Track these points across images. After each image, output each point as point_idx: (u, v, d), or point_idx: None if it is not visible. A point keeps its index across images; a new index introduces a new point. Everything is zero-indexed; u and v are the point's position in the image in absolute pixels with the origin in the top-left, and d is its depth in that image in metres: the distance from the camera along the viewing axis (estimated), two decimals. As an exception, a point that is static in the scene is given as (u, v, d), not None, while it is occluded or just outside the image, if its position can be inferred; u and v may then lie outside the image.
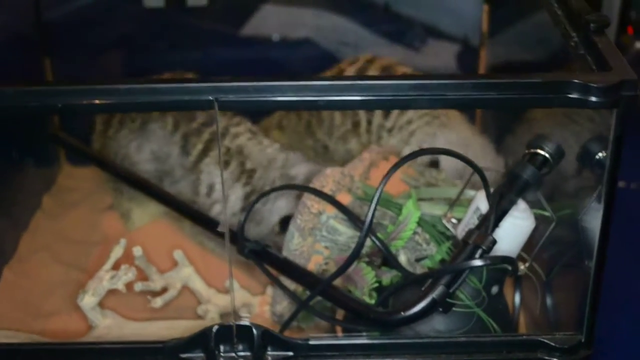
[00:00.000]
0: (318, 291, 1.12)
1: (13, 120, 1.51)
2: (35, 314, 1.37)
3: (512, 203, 1.09)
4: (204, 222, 1.40)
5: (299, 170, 1.45)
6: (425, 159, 1.51)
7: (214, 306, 1.32)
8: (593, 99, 0.88)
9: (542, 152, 1.09)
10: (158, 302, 1.29)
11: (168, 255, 1.39)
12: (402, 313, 1.03)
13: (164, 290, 1.32)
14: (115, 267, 1.25)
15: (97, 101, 0.89)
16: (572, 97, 0.89)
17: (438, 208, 1.25)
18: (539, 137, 1.11)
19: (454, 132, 1.53)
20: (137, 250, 1.29)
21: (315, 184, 1.24)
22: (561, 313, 1.15)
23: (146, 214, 1.59)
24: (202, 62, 1.90)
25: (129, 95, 0.89)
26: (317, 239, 1.22)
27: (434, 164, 1.49)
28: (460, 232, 1.17)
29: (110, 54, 1.81)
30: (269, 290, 1.34)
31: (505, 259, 1.06)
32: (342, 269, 1.07)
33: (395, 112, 1.57)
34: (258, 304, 1.35)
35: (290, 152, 1.52)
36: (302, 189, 1.23)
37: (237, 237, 1.19)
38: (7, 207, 1.54)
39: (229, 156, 1.48)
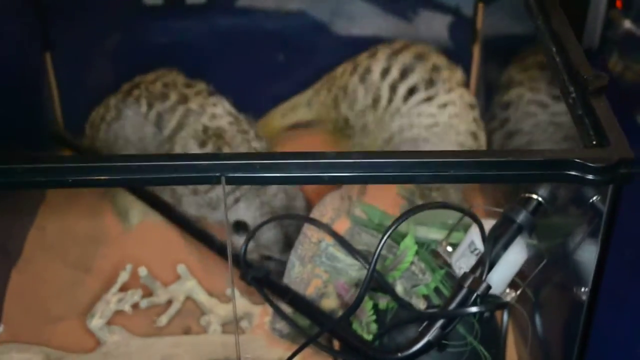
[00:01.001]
0: (327, 329, 1.14)
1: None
2: (44, 321, 1.40)
3: (507, 247, 1.11)
4: (205, 240, 1.41)
5: None
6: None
7: (215, 317, 1.35)
8: (591, 177, 0.89)
9: (535, 197, 1.11)
10: (163, 320, 1.33)
11: (166, 254, 1.43)
12: (399, 354, 1.07)
13: (169, 302, 1.35)
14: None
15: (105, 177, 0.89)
16: (570, 175, 0.90)
17: (434, 232, 1.28)
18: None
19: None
20: (142, 271, 1.32)
21: (315, 214, 1.26)
22: (551, 345, 1.19)
23: (142, 212, 1.59)
24: (196, 36, 1.85)
25: (138, 172, 0.89)
26: (317, 264, 1.24)
27: None
28: (454, 262, 1.19)
29: (110, 49, 1.78)
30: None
31: (500, 306, 1.09)
32: (350, 311, 1.08)
33: (413, 101, 1.58)
34: (259, 314, 1.38)
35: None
36: (302, 219, 1.24)
37: (240, 264, 1.21)
38: (12, 204, 1.54)
39: (207, 136, 1.47)
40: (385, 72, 1.62)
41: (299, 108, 1.80)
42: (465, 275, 1.08)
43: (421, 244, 1.25)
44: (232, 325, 1.36)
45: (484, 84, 1.71)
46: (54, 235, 1.58)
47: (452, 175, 0.91)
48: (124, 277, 1.28)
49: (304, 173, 0.90)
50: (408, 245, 1.18)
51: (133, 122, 1.56)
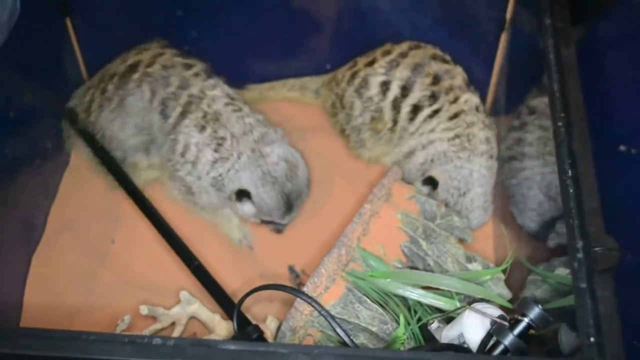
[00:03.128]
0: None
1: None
2: (62, 312, 1.42)
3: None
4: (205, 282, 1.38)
5: (273, 149, 1.44)
6: (420, 174, 1.48)
7: (216, 337, 1.36)
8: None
9: (525, 320, 1.05)
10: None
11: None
12: None
13: (173, 325, 1.37)
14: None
15: None
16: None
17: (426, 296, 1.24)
18: (524, 303, 1.06)
19: (466, 160, 1.44)
20: (143, 309, 1.32)
21: (309, 287, 1.21)
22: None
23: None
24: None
25: None
26: (310, 326, 1.23)
27: (431, 182, 1.43)
28: (442, 339, 1.18)
29: (128, 14, 1.61)
30: (269, 319, 1.37)
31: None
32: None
33: (420, 119, 1.48)
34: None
35: (271, 128, 1.49)
36: (294, 292, 1.19)
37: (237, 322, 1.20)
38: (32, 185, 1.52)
39: (205, 121, 1.45)
40: (385, 89, 1.49)
41: (306, 92, 1.69)
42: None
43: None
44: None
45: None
46: (71, 214, 1.56)
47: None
48: (122, 326, 1.29)
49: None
50: (398, 336, 1.16)
51: (138, 110, 1.49)
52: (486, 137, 1.46)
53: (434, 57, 1.50)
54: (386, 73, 1.49)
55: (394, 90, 1.49)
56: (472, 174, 1.42)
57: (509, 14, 1.47)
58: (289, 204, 1.45)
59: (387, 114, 1.50)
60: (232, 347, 0.89)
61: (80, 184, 1.59)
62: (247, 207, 1.45)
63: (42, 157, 1.55)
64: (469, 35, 1.54)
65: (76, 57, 1.64)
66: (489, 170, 1.44)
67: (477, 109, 1.49)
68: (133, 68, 1.51)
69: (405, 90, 1.48)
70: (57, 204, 1.58)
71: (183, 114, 1.45)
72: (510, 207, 1.42)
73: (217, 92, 1.49)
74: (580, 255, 0.93)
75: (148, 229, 1.48)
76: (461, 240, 1.39)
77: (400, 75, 1.48)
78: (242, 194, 1.43)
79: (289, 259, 1.48)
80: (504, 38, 1.50)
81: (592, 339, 0.88)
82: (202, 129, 1.44)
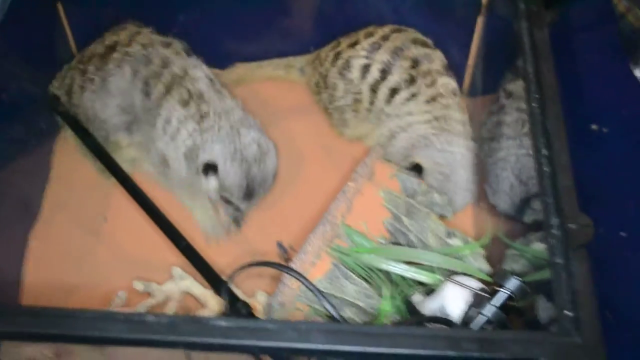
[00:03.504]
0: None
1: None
2: (61, 288, 1.44)
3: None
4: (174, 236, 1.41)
5: (249, 132, 1.45)
6: (402, 158, 1.51)
7: (209, 311, 1.40)
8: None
9: (504, 291, 1.10)
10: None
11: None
12: None
13: (166, 301, 1.40)
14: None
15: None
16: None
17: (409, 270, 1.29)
18: (503, 275, 1.10)
19: (447, 142, 1.47)
20: (138, 285, 1.35)
21: (297, 263, 1.25)
22: None
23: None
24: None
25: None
26: (298, 300, 1.27)
27: (417, 168, 1.46)
28: (424, 311, 1.22)
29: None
30: (259, 294, 1.41)
31: None
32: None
33: (397, 102, 1.51)
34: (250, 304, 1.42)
35: (249, 115, 1.50)
36: (282, 268, 1.23)
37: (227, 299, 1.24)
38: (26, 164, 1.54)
39: (189, 97, 1.46)
40: (365, 71, 1.52)
41: (292, 70, 1.71)
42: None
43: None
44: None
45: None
46: (67, 191, 1.58)
47: None
48: (117, 302, 1.31)
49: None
50: (384, 310, 1.21)
51: (120, 89, 1.50)
52: (462, 119, 1.50)
53: (415, 41, 1.53)
54: (367, 56, 1.52)
55: (374, 73, 1.51)
56: (454, 156, 1.45)
57: (484, -1, 1.50)
58: (251, 188, 1.45)
59: (365, 95, 1.53)
60: (224, 323, 0.92)
61: (73, 163, 1.61)
62: (212, 182, 1.44)
63: (36, 137, 1.57)
64: (447, 19, 1.56)
65: (68, 40, 1.65)
66: (469, 152, 1.47)
67: (454, 93, 1.52)
68: (111, 48, 1.52)
69: (384, 73, 1.51)
70: (52, 183, 1.59)
71: (167, 91, 1.46)
72: (484, 186, 1.46)
73: (199, 72, 1.50)
74: (555, 231, 0.97)
75: (138, 207, 1.50)
76: (441, 217, 1.44)
77: (381, 58, 1.51)
78: (209, 168, 1.44)
79: (277, 236, 1.50)
80: (480, 21, 1.53)
81: (568, 313, 0.92)
82: (186, 104, 1.46)
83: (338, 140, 1.65)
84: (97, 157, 1.52)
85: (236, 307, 1.22)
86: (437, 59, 1.53)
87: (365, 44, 1.53)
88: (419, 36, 1.55)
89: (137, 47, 1.51)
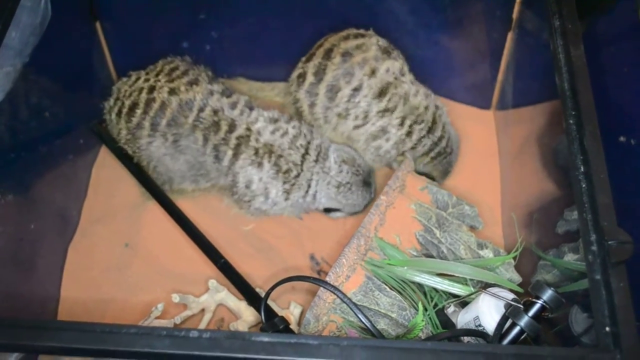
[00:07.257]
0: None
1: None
2: (98, 299, 1.41)
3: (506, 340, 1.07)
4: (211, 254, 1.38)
5: (330, 158, 1.45)
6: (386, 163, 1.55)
7: (243, 322, 1.36)
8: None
9: (539, 302, 1.04)
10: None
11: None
12: None
13: (202, 312, 1.36)
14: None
15: None
16: None
17: (442, 282, 1.23)
18: (538, 285, 1.04)
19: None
20: (175, 297, 1.31)
21: (331, 277, 1.20)
22: None
23: None
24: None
25: None
26: (333, 312, 1.22)
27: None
28: (458, 323, 1.17)
29: (154, 18, 1.60)
30: (292, 305, 1.37)
31: None
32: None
33: (342, 99, 1.47)
34: (285, 316, 1.37)
35: (314, 133, 1.48)
36: (318, 282, 1.18)
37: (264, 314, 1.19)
38: (65, 179, 1.52)
39: (260, 157, 1.41)
40: (302, 80, 1.51)
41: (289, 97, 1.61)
42: None
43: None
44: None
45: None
46: (104, 205, 1.55)
47: None
48: (156, 313, 1.28)
49: None
50: (417, 322, 1.15)
51: (191, 151, 1.43)
52: (426, 98, 1.49)
53: (346, 38, 1.48)
54: (302, 66, 1.51)
55: (309, 78, 1.49)
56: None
57: (515, 14, 1.44)
58: (368, 185, 1.50)
59: (304, 101, 1.51)
60: (265, 339, 0.88)
61: (111, 177, 1.58)
62: (337, 214, 1.51)
63: (75, 153, 1.54)
64: (479, 34, 1.51)
65: (106, 58, 1.63)
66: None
67: (402, 73, 1.47)
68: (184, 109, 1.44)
69: (318, 75, 1.48)
70: (90, 197, 1.57)
71: (235, 156, 1.41)
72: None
73: (261, 123, 1.44)
74: (594, 248, 0.92)
75: (174, 223, 1.48)
76: (472, 228, 1.38)
77: (313, 63, 1.48)
78: (330, 209, 1.49)
79: (309, 250, 1.47)
80: (510, 37, 1.48)
81: (607, 329, 0.87)
82: (259, 165, 1.41)
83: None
84: (140, 182, 1.49)
85: (274, 322, 1.17)
86: (372, 46, 1.47)
87: (315, 54, 1.50)
88: (352, 31, 1.50)
89: (208, 113, 1.42)
